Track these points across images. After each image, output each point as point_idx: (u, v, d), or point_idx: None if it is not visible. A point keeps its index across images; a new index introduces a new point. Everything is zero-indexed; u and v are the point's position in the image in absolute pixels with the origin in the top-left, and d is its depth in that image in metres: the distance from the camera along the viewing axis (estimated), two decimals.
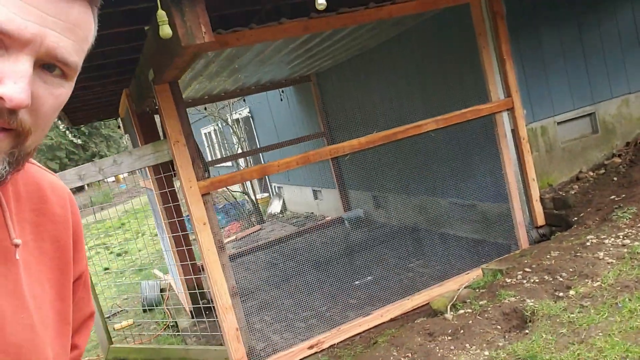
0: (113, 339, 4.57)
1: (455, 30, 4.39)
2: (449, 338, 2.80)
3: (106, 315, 6.33)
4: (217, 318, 3.50)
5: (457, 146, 4.73)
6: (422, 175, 5.39)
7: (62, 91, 0.62)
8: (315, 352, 3.50)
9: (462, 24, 4.13)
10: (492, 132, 4.16)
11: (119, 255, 10.35)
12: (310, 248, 6.35)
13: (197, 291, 4.29)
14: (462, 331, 2.79)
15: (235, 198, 10.30)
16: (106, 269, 9.31)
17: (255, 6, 3.23)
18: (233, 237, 8.61)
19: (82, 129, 42.35)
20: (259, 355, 3.45)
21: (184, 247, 4.56)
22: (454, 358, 2.57)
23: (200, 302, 4.69)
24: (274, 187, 10.47)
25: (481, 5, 3.94)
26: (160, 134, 4.87)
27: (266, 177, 10.56)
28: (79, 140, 42.26)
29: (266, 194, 10.63)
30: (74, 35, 0.60)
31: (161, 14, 2.04)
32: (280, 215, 9.69)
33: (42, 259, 0.71)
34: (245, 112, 10.37)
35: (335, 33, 4.48)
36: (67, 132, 7.05)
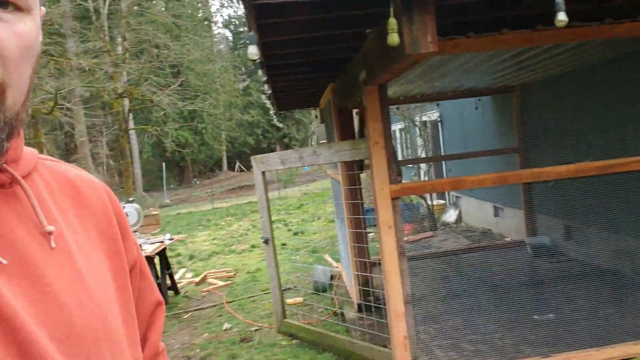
0: (285, 313, 4.90)
1: None
2: None
3: None
4: (385, 320, 3.52)
5: None
6: (637, 215, 4.73)
7: (24, 28, 0.56)
8: None
9: None
10: None
11: (295, 234, 11.06)
12: (485, 266, 6.04)
13: (369, 289, 4.37)
14: None
15: (410, 200, 10.26)
16: (283, 244, 10.03)
17: (475, 16, 3.12)
18: (404, 239, 8.59)
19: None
20: None
21: (364, 245, 4.67)
22: None
23: (370, 298, 4.78)
24: (452, 195, 10.17)
25: None
26: (356, 131, 5.04)
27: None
28: (280, 123, 46.27)
29: (442, 201, 10.38)
30: None
31: (392, 22, 2.06)
32: (454, 226, 9.39)
33: (95, 250, 0.70)
34: (434, 116, 10.22)
35: (556, 46, 4.13)
36: (274, 116, 7.55)
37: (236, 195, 24.46)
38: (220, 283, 7.52)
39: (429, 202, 9.69)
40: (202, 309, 6.42)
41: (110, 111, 25.26)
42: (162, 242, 6.69)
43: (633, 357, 3.32)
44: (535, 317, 4.30)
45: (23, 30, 0.56)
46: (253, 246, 10.29)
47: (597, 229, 5.46)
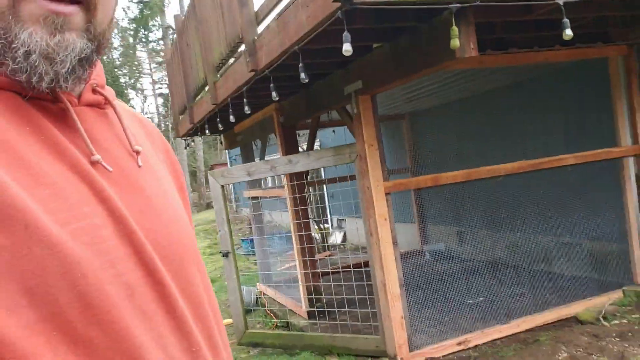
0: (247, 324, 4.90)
1: (586, 79, 4.95)
2: (618, 339, 3.17)
3: None
4: (377, 308, 3.88)
5: (569, 186, 5.19)
6: (519, 213, 5.82)
7: None
8: (463, 349, 3.84)
9: (593, 75, 4.69)
10: (609, 176, 4.63)
11: None
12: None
13: (321, 296, 4.65)
14: (630, 334, 3.16)
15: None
16: None
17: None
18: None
19: None
20: (415, 345, 3.80)
21: (314, 258, 4.97)
22: (634, 352, 2.94)
23: (320, 304, 5.07)
24: (334, 219, 10.88)
25: (617, 62, 4.50)
26: (302, 146, 5.38)
27: (328, 207, 11.00)
28: None
29: (327, 225, 11.03)
30: None
31: (455, 29, 2.56)
32: (342, 246, 10.06)
33: (168, 179, 0.73)
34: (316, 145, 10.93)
35: (442, 80, 5.07)
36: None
37: None
38: None
39: (321, 226, 10.25)
40: None
41: None
42: None
43: (564, 318, 4.15)
44: (470, 301, 5.02)
45: None
46: None
47: (486, 229, 6.53)
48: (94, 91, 0.65)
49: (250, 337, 4.68)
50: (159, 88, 56.41)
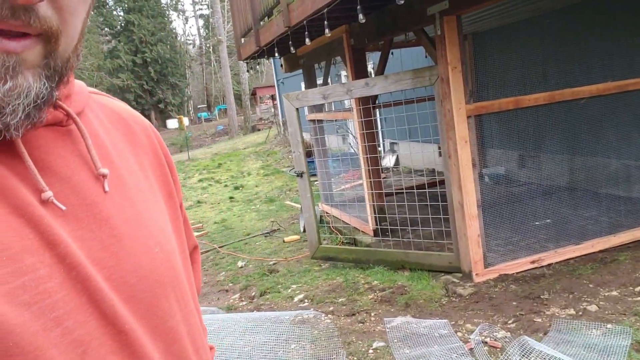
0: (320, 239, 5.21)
1: None
2: None
3: (265, 231, 7.04)
4: (452, 227, 4.05)
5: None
6: (593, 136, 5.76)
7: None
8: (537, 267, 4.01)
9: None
10: None
11: (236, 188, 11.12)
12: None
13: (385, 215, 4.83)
14: None
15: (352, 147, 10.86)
16: (231, 197, 10.09)
17: None
18: (359, 182, 9.19)
19: (152, 75, 43.78)
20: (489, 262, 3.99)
21: (379, 179, 5.11)
22: None
23: (386, 224, 5.29)
24: (387, 143, 10.95)
25: None
26: (370, 69, 5.39)
27: (380, 131, 11.05)
28: (146, 85, 43.85)
29: (379, 148, 11.13)
30: None
31: None
32: (394, 169, 10.21)
33: (152, 191, 0.67)
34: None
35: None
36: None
37: None
38: (195, 233, 7.50)
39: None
40: None
41: None
42: None
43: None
44: (536, 223, 5.14)
45: None
46: (199, 202, 10.20)
47: (550, 154, 6.50)
48: (56, 106, 0.56)
49: (324, 252, 4.98)
50: (200, 9, 55.67)
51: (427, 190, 5.17)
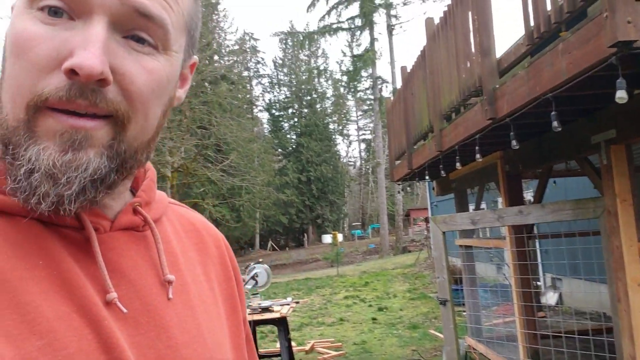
0: None
1: None
2: None
3: None
4: None
5: None
6: None
7: (156, 65, 0.53)
8: None
9: None
10: None
11: (380, 310, 10.84)
12: None
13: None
14: None
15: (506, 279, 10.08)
16: (374, 319, 9.82)
17: None
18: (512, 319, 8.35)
19: (314, 192, 46.76)
20: None
21: (533, 317, 4.59)
22: None
23: None
24: (548, 277, 9.97)
25: None
26: (531, 197, 5.12)
27: (540, 264, 10.15)
28: (308, 201, 46.77)
29: (539, 283, 10.16)
30: None
31: None
32: (556, 308, 9.13)
33: (216, 305, 0.66)
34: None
35: None
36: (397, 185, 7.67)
37: (281, 272, 24.25)
38: (333, 352, 7.33)
39: (534, 284, 9.50)
40: None
41: (158, 185, 25.93)
42: (289, 304, 6.62)
43: None
44: None
45: (154, 67, 0.53)
46: (341, 319, 10.09)
47: None
48: (135, 211, 0.60)
49: None
50: (363, 134, 59.62)
51: (591, 337, 4.47)
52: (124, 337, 0.52)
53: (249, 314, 5.94)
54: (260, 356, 6.85)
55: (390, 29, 26.95)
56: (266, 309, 6.04)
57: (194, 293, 0.62)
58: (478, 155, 4.06)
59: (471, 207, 7.21)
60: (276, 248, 44.37)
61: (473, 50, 3.79)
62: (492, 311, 9.01)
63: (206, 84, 31.21)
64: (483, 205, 7.54)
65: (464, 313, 6.60)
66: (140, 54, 0.52)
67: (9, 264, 0.49)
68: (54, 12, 0.49)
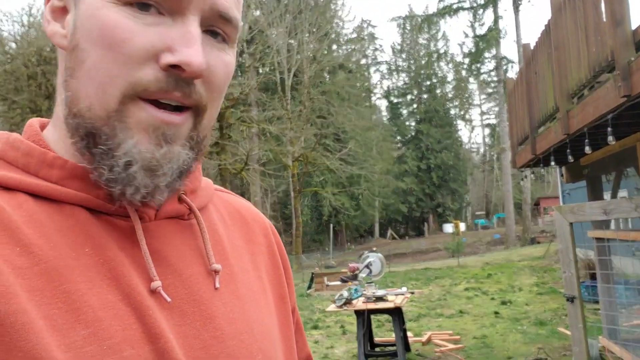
0: None
1: None
2: None
3: (530, 359, 6.23)
4: None
5: None
6: None
7: (229, 59, 0.56)
8: None
9: None
10: None
11: (503, 303, 10.31)
12: None
13: None
14: None
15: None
16: (496, 312, 9.37)
17: None
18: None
19: (434, 180, 45.65)
20: None
21: None
22: None
23: None
24: None
25: None
26: None
27: None
28: (428, 190, 45.76)
29: None
30: None
31: None
32: None
33: (264, 293, 0.64)
34: None
35: None
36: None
37: (401, 262, 24.10)
38: (451, 345, 7.12)
39: None
40: None
41: (278, 174, 27.04)
42: (403, 294, 6.54)
43: None
44: None
45: (229, 61, 0.56)
46: (461, 312, 9.76)
47: None
48: (180, 199, 0.60)
49: None
50: (487, 119, 56.74)
51: None
52: (169, 327, 0.52)
53: (363, 302, 5.96)
54: (375, 345, 6.87)
55: (516, 4, 25.22)
56: (380, 298, 6.01)
57: (242, 282, 0.61)
58: (611, 138, 3.65)
59: (607, 195, 6.54)
60: (396, 237, 44.11)
61: (604, 20, 3.39)
62: (633, 310, 8.14)
63: (325, 73, 31.82)
64: (624, 194, 6.80)
65: (599, 311, 6.02)
66: (216, 49, 0.54)
67: (55, 251, 0.49)
68: (142, 5, 0.50)
